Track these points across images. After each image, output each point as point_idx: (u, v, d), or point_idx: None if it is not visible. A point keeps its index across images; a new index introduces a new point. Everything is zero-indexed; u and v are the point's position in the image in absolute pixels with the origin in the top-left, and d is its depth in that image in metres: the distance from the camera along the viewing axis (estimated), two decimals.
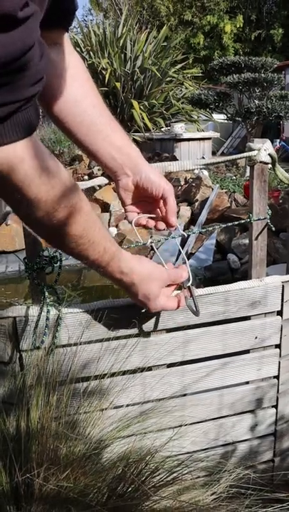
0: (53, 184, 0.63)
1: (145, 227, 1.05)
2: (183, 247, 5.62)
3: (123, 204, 1.03)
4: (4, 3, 0.46)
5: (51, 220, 0.66)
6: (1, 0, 0.46)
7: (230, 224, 1.72)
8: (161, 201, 1.01)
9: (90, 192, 6.67)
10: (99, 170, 7.61)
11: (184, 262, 1.06)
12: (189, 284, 1.05)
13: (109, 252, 0.80)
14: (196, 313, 1.06)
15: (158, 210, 1.03)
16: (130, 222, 1.04)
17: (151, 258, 5.66)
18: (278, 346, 1.53)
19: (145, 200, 1.01)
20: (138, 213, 1.03)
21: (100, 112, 0.91)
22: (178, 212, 5.46)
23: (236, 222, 1.68)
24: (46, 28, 0.83)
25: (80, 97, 0.89)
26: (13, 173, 0.58)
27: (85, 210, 0.71)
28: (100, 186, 6.59)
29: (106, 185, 6.70)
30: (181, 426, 1.38)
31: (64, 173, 0.67)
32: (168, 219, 1.02)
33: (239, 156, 1.49)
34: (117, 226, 6.12)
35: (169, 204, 1.00)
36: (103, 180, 1.17)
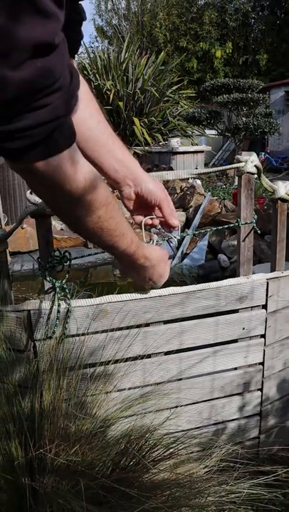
0: (94, 184, 0.64)
1: (152, 226, 1.07)
2: (179, 247, 5.62)
3: (128, 210, 1.03)
4: (46, 34, 0.48)
5: (93, 217, 0.68)
6: (42, 31, 0.48)
7: (220, 227, 1.72)
8: (157, 207, 1.02)
9: None
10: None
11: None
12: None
13: (135, 242, 0.83)
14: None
15: (155, 213, 1.05)
16: (139, 224, 1.05)
17: None
18: (263, 336, 1.53)
19: (145, 205, 1.02)
20: (144, 216, 1.04)
21: (103, 129, 0.91)
22: None
23: (226, 226, 1.68)
24: None
25: (86, 116, 0.89)
26: (66, 177, 0.59)
27: (116, 206, 0.73)
28: None
29: None
30: (177, 407, 1.38)
31: (97, 173, 0.67)
32: (168, 221, 1.03)
33: (228, 167, 1.49)
34: None
35: (164, 209, 1.01)
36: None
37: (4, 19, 0.44)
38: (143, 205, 1.02)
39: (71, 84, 0.56)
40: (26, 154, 0.54)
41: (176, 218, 1.04)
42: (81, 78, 0.91)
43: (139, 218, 1.04)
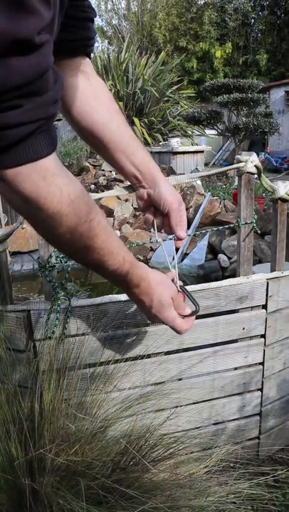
0: (72, 199, 0.59)
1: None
2: (178, 249, 5.62)
3: (139, 208, 1.03)
4: (23, 29, 0.45)
5: (73, 234, 0.62)
6: (20, 26, 0.45)
7: (220, 227, 1.73)
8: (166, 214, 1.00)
9: (95, 199, 6.66)
10: (104, 180, 7.60)
11: (174, 266, 1.03)
12: (178, 283, 1.00)
13: (128, 261, 0.75)
14: (196, 310, 1.00)
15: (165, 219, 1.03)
16: (144, 223, 1.05)
17: (150, 259, 5.65)
18: (263, 336, 1.53)
19: (155, 208, 1.01)
20: (153, 216, 1.03)
21: (123, 132, 0.91)
22: None
23: (226, 226, 1.68)
24: (69, 55, 0.83)
25: (107, 120, 0.89)
26: (35, 187, 0.54)
27: (103, 223, 0.66)
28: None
29: None
30: (177, 407, 1.38)
31: (81, 187, 0.62)
32: (175, 231, 1.00)
33: (229, 167, 1.49)
34: (120, 229, 6.14)
35: (172, 218, 0.98)
36: (122, 191, 1.18)
37: None
38: (154, 206, 1.01)
39: (54, 88, 0.52)
40: None
41: (184, 230, 1.00)
42: (99, 79, 0.91)
43: (147, 217, 1.03)
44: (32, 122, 0.50)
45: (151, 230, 1.04)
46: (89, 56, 0.87)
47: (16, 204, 0.56)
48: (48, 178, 0.54)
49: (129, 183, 1.04)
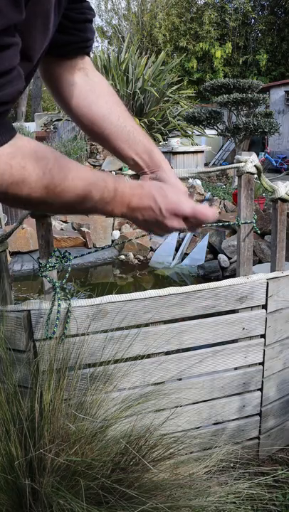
0: (43, 165, 0.60)
1: None
2: (178, 248, 5.63)
3: None
4: None
5: (42, 189, 0.61)
6: None
7: (220, 224, 1.73)
8: None
9: None
10: None
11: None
12: None
13: (109, 180, 0.69)
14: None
15: None
16: None
17: (150, 259, 5.66)
18: (263, 336, 1.53)
19: None
20: None
21: (124, 123, 0.93)
22: None
23: (226, 223, 1.69)
24: (69, 56, 0.84)
25: (106, 112, 0.91)
26: (8, 168, 0.57)
27: (62, 162, 0.64)
28: None
29: None
30: (177, 407, 1.38)
31: (49, 152, 0.62)
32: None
33: (228, 166, 1.49)
34: (120, 229, 6.14)
35: None
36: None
37: None
38: None
39: (5, 87, 0.54)
40: None
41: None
42: (99, 74, 0.92)
43: None
44: None
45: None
46: (88, 55, 0.88)
47: None
48: (15, 158, 0.57)
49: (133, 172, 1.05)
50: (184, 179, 7.59)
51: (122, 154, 0.95)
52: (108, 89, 0.93)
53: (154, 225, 0.75)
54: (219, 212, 5.99)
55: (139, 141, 0.94)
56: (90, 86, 0.89)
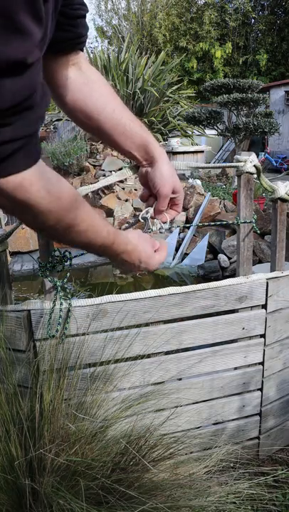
0: (58, 196, 0.65)
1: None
2: (178, 248, 5.63)
3: (140, 182, 1.05)
4: (17, 51, 0.46)
5: (61, 224, 0.69)
6: (13, 49, 0.46)
7: (218, 223, 1.74)
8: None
9: (95, 199, 6.67)
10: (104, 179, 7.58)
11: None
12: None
13: (111, 233, 0.82)
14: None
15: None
16: (145, 200, 1.05)
17: None
18: (263, 336, 1.53)
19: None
20: (148, 196, 1.03)
21: (120, 115, 0.93)
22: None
23: (224, 223, 1.69)
24: (63, 52, 0.84)
25: (101, 105, 0.91)
26: (27, 194, 0.60)
27: (86, 208, 0.74)
28: (108, 188, 6.59)
29: (109, 193, 6.70)
30: (176, 407, 1.38)
31: (65, 184, 0.69)
32: (156, 214, 1.03)
33: (227, 164, 1.49)
34: (120, 229, 6.14)
35: (157, 203, 1.00)
36: (127, 172, 1.19)
37: None
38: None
39: (41, 104, 0.55)
40: None
41: (163, 216, 1.02)
42: (93, 69, 0.93)
43: (142, 194, 1.04)
44: (22, 138, 0.54)
45: (143, 207, 1.04)
46: (82, 50, 0.89)
47: (8, 207, 0.62)
48: (36, 184, 0.60)
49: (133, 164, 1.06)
50: (183, 179, 7.58)
51: (119, 148, 0.97)
52: (102, 82, 0.93)
53: (128, 268, 0.92)
54: (219, 213, 5.99)
55: (136, 133, 0.95)
56: (84, 80, 0.89)
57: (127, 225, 1.04)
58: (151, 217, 1.04)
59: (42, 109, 0.56)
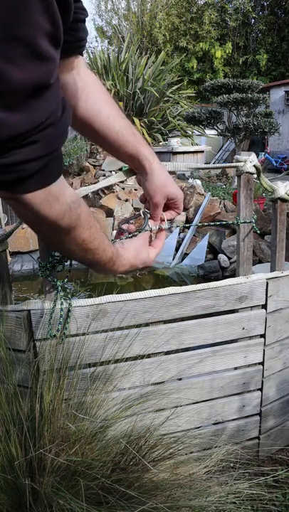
0: (78, 212, 0.68)
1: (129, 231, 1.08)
2: (178, 248, 5.63)
3: (139, 184, 1.06)
4: (42, 76, 0.50)
5: (77, 241, 0.73)
6: (39, 74, 0.49)
7: (218, 223, 1.73)
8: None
9: (95, 199, 6.67)
10: (103, 179, 7.59)
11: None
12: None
13: (114, 252, 0.87)
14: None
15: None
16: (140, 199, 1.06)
17: None
18: (263, 336, 1.53)
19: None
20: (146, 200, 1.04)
21: (114, 123, 0.94)
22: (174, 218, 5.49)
23: (224, 222, 1.69)
24: (62, 57, 0.85)
25: (96, 111, 0.92)
26: (52, 207, 0.62)
27: (97, 226, 0.77)
28: (108, 188, 6.58)
29: (109, 193, 6.70)
30: (176, 407, 1.38)
31: (81, 200, 0.72)
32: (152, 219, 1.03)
33: (227, 165, 1.49)
34: (118, 224, 6.14)
35: (151, 210, 1.01)
36: (121, 176, 1.20)
37: (2, 62, 0.46)
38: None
39: (62, 119, 0.57)
40: (15, 187, 0.56)
41: (153, 223, 1.04)
42: (91, 73, 0.93)
43: (142, 197, 1.06)
44: (47, 154, 0.56)
45: (143, 207, 1.05)
46: (81, 54, 0.89)
47: (27, 219, 0.65)
48: (60, 199, 0.62)
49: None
50: (183, 179, 7.58)
51: (112, 154, 0.98)
52: (99, 88, 0.93)
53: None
54: (219, 213, 5.99)
55: (128, 142, 0.96)
56: (82, 84, 0.90)
57: (126, 224, 1.03)
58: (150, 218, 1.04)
59: (65, 124, 0.58)
